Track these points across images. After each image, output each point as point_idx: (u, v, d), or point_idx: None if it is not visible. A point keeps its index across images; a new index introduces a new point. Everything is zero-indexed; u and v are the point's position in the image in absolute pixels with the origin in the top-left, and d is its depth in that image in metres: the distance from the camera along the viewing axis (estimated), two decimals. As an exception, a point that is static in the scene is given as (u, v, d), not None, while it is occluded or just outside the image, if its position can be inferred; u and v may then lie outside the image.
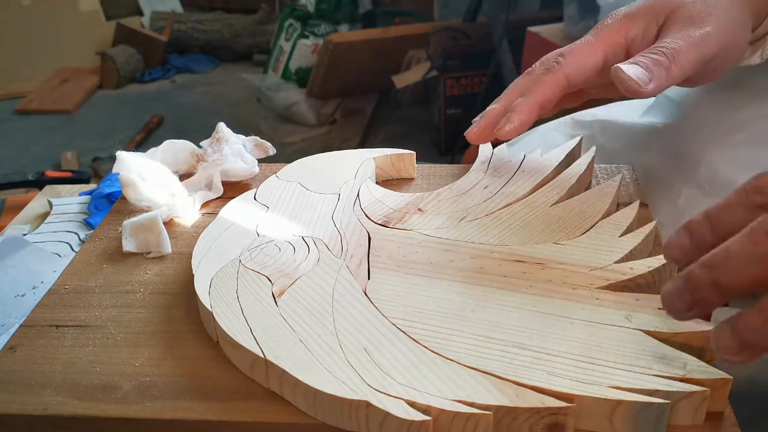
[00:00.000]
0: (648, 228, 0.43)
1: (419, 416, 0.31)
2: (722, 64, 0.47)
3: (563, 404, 0.31)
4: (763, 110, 0.55)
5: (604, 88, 0.50)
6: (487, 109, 0.49)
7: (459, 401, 0.31)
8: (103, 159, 2.35)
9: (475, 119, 0.49)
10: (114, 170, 0.52)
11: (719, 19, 0.44)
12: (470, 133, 0.48)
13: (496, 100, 0.50)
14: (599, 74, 0.47)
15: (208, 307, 0.38)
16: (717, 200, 0.53)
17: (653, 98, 0.59)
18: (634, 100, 0.62)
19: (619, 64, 0.43)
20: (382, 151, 0.55)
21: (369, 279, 0.40)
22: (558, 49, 0.48)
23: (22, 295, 0.54)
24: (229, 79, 3.28)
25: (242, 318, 0.37)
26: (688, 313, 0.30)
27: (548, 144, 0.59)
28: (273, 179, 0.52)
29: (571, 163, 0.50)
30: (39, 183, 0.80)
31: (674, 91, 0.60)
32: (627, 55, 0.46)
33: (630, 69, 0.42)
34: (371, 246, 0.43)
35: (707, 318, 0.34)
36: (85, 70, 3.32)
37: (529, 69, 0.49)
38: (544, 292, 0.38)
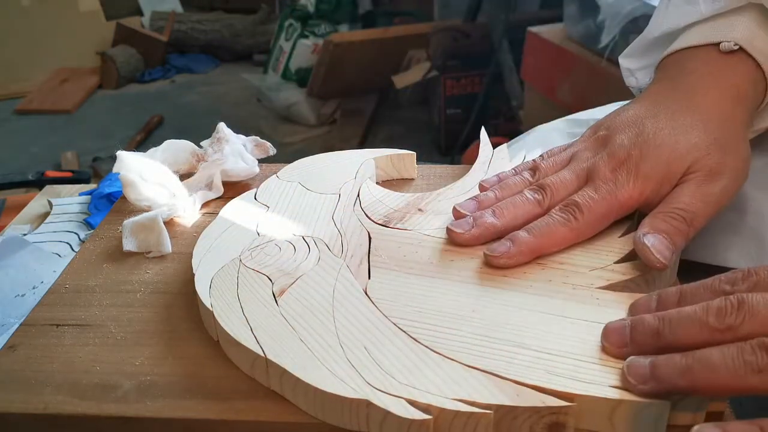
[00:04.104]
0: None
1: (420, 415, 0.31)
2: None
3: (563, 404, 0.31)
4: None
5: None
6: (486, 218, 0.42)
7: (459, 400, 0.31)
8: (103, 159, 2.35)
9: (465, 216, 0.43)
10: (114, 170, 0.52)
11: (734, 167, 0.42)
12: (461, 237, 0.42)
13: (497, 187, 0.45)
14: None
15: (209, 307, 0.38)
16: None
17: None
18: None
19: (642, 235, 0.39)
20: (382, 151, 0.55)
21: (369, 279, 0.40)
22: (573, 187, 0.43)
23: (22, 295, 0.54)
24: (229, 79, 3.28)
25: (243, 317, 0.37)
26: (620, 348, 0.33)
27: (548, 144, 0.59)
28: (273, 179, 0.52)
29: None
30: (39, 183, 0.80)
31: None
32: (638, 209, 0.43)
33: (655, 243, 0.39)
34: (372, 246, 0.43)
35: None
36: (85, 70, 3.32)
37: (540, 177, 0.44)
38: (544, 292, 0.38)
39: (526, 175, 0.46)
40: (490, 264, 0.40)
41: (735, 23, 0.46)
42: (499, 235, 0.42)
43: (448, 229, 0.43)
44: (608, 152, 0.43)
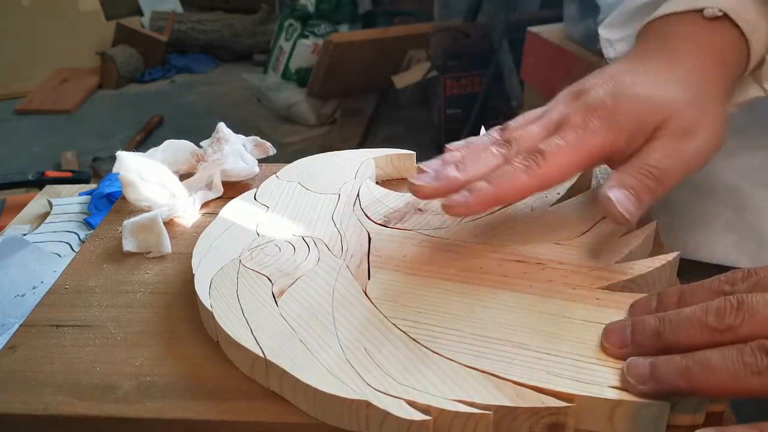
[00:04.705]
0: (648, 228, 0.43)
1: (419, 416, 0.31)
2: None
3: (563, 404, 0.31)
4: (760, 116, 0.55)
5: None
6: (448, 171, 0.40)
7: (459, 401, 0.31)
8: (103, 159, 2.35)
9: (430, 168, 0.41)
10: (114, 170, 0.52)
11: (710, 128, 0.41)
12: (421, 189, 0.40)
13: (463, 148, 0.43)
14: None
15: (209, 307, 0.38)
16: (708, 202, 0.54)
17: None
18: None
19: (607, 189, 0.38)
20: (382, 151, 0.55)
21: (369, 279, 0.40)
22: (540, 137, 0.41)
23: (22, 295, 0.54)
24: (229, 79, 3.28)
25: (242, 318, 0.37)
26: (620, 349, 0.33)
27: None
28: (273, 179, 0.52)
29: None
30: (39, 183, 0.80)
31: None
32: (608, 161, 0.41)
33: (619, 196, 0.37)
34: (371, 246, 0.43)
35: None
36: (85, 70, 3.32)
37: (507, 134, 0.42)
38: (544, 292, 0.38)
39: (494, 133, 0.44)
40: (447, 213, 0.39)
41: None
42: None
43: (409, 184, 0.40)
44: (581, 102, 0.41)
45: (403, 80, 2.50)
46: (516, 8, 2.37)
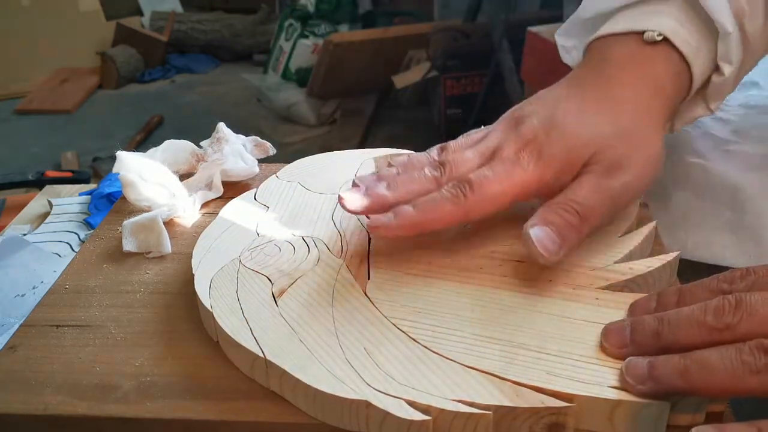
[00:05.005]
0: (648, 228, 0.43)
1: (419, 416, 0.31)
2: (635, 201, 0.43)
3: (563, 404, 0.31)
4: (760, 117, 0.55)
5: None
6: (378, 189, 0.40)
7: (459, 401, 0.31)
8: (103, 159, 2.35)
9: (363, 183, 0.41)
10: (114, 170, 0.52)
11: (640, 163, 0.40)
12: (349, 204, 0.40)
13: (401, 165, 0.43)
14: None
15: (209, 307, 0.38)
16: (708, 202, 0.54)
17: None
18: None
19: (529, 227, 0.37)
20: (382, 151, 0.55)
21: (369, 279, 0.40)
22: (474, 165, 0.41)
23: (22, 295, 0.54)
24: (229, 79, 3.28)
25: (242, 318, 0.37)
26: (620, 349, 0.33)
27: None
28: (273, 179, 0.52)
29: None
30: (39, 183, 0.80)
31: None
32: (537, 195, 0.41)
33: (540, 234, 0.37)
34: (371, 246, 0.43)
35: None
36: (85, 70, 3.32)
37: (444, 156, 0.42)
38: (544, 292, 0.38)
39: (433, 153, 0.44)
40: (371, 231, 0.39)
41: (662, 10, 0.45)
42: (389, 208, 0.40)
43: (338, 197, 0.40)
44: (517, 132, 0.41)
45: (403, 80, 2.50)
46: (516, 8, 2.37)
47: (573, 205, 0.38)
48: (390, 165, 0.45)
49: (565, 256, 0.38)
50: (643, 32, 0.44)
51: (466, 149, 0.42)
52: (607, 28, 0.47)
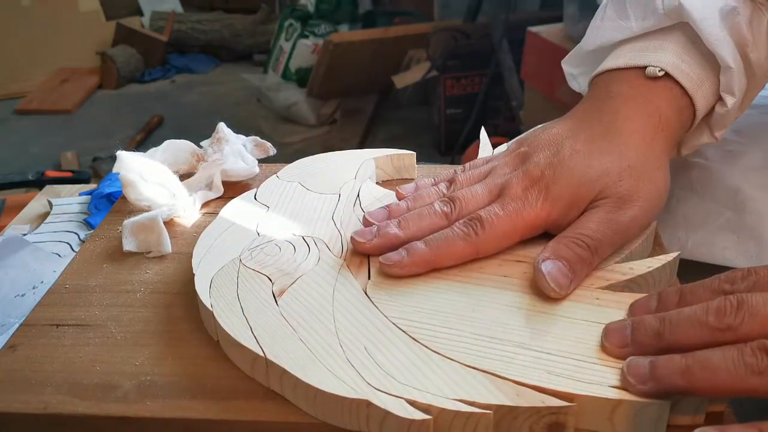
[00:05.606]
0: (648, 228, 0.43)
1: (420, 415, 0.31)
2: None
3: (563, 404, 0.31)
4: (760, 117, 0.55)
5: None
6: (390, 229, 0.42)
7: (459, 400, 0.31)
8: (103, 159, 2.35)
9: (374, 218, 0.43)
10: (114, 170, 0.52)
11: (646, 196, 0.41)
12: (361, 246, 0.42)
13: (411, 196, 0.45)
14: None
15: (209, 307, 0.38)
16: (708, 202, 0.54)
17: None
18: None
19: (540, 261, 0.38)
20: (382, 151, 0.55)
21: (369, 279, 0.40)
22: (483, 202, 0.42)
23: (22, 295, 0.54)
24: (229, 79, 3.28)
25: (243, 317, 0.37)
26: (621, 349, 0.33)
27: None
28: (273, 179, 0.52)
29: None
30: (39, 183, 0.80)
31: None
32: (546, 230, 0.42)
33: (553, 269, 0.37)
34: (371, 246, 0.43)
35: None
36: (85, 70, 3.32)
37: (453, 191, 0.44)
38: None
39: (442, 186, 0.45)
40: (383, 270, 0.40)
41: (663, 45, 0.45)
42: (401, 245, 0.41)
43: (351, 238, 0.42)
44: (524, 170, 0.42)
45: (403, 80, 2.50)
46: (516, 8, 2.37)
47: (584, 239, 0.39)
48: (398, 195, 0.46)
49: (575, 288, 0.38)
50: (644, 67, 0.45)
51: (475, 184, 0.44)
52: (609, 63, 0.47)
